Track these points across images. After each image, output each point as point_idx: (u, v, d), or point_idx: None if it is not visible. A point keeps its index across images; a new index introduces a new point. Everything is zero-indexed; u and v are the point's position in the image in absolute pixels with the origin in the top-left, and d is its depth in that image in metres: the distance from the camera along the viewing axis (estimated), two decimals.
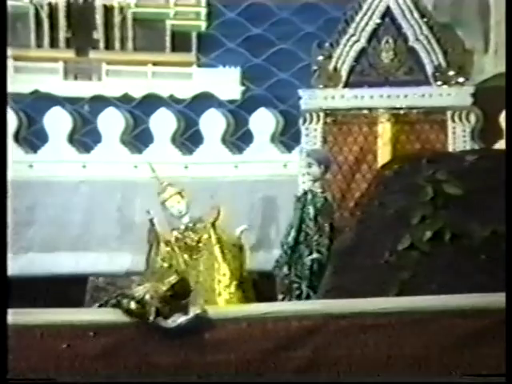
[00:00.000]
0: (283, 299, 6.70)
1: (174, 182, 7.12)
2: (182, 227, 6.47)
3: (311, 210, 6.75)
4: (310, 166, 6.84)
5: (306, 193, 6.86)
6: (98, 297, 7.48)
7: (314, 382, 5.06)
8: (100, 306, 5.76)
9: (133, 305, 5.56)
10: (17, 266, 7.16)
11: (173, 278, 5.97)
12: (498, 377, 4.85)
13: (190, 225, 6.51)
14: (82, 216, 7.93)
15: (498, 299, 5.21)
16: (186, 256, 6.36)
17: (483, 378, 4.98)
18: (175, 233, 6.46)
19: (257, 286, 7.01)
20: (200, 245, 6.39)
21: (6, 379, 4.79)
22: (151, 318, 5.47)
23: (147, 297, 5.59)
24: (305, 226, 6.76)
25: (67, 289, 7.58)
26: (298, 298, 6.68)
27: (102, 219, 7.91)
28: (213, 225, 6.35)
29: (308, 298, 6.59)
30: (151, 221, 6.51)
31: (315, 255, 6.63)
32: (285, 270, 6.77)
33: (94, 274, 7.79)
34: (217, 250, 6.25)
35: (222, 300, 6.47)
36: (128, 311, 5.54)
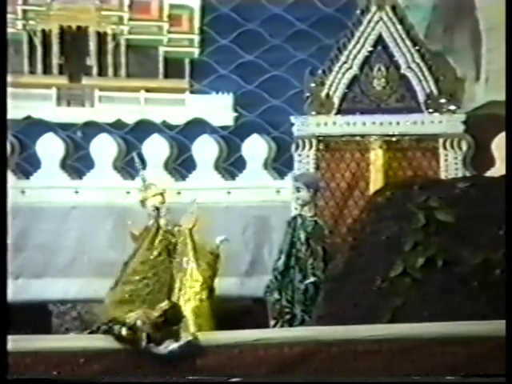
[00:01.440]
0: (275, 324, 6.67)
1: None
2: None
3: (302, 235, 6.75)
4: (298, 190, 6.84)
5: (295, 217, 6.86)
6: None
7: None
8: (91, 333, 5.74)
9: (124, 331, 5.54)
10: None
11: (165, 304, 5.95)
12: (498, 377, 4.83)
13: (169, 227, 6.56)
14: (73, 242, 7.90)
15: (490, 327, 5.21)
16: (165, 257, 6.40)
17: (483, 378, 4.96)
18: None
19: (251, 312, 6.99)
20: (176, 248, 6.42)
21: (6, 379, 4.76)
22: (143, 344, 5.45)
23: (139, 323, 5.58)
24: (295, 250, 6.75)
25: (56, 314, 7.55)
26: (290, 322, 6.66)
27: (94, 245, 7.88)
28: (190, 231, 6.38)
29: (302, 322, 6.56)
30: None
31: (312, 279, 6.62)
32: (276, 295, 6.75)
33: (85, 300, 7.75)
34: (191, 255, 6.25)
35: (190, 306, 6.47)
36: (119, 337, 5.52)
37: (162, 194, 6.66)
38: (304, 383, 5.08)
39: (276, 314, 6.68)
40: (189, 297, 6.31)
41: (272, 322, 6.71)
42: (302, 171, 7.49)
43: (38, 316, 7.46)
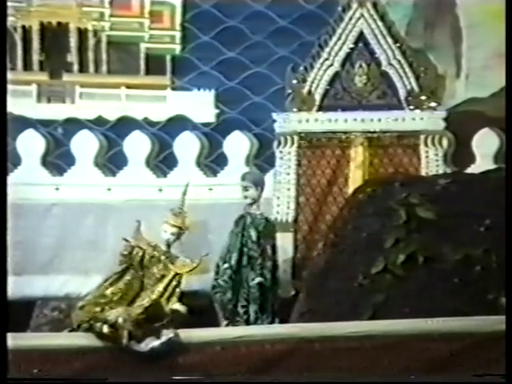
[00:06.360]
0: (228, 325, 6.61)
1: (148, 205, 7.09)
2: (155, 253, 6.44)
3: (253, 233, 6.75)
4: (246, 189, 6.87)
5: (243, 216, 6.86)
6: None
7: None
8: (71, 331, 5.72)
9: (105, 328, 5.53)
10: None
11: (146, 301, 5.95)
12: (498, 377, 4.86)
13: (164, 256, 6.47)
14: (54, 239, 7.87)
15: (470, 323, 5.24)
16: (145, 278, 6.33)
17: (483, 378, 4.98)
18: (149, 250, 6.43)
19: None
20: (158, 279, 6.32)
21: (6, 379, 4.74)
22: (124, 341, 5.44)
23: (120, 320, 5.57)
24: (247, 249, 6.75)
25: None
26: (247, 322, 6.62)
27: (75, 242, 7.85)
28: (176, 274, 6.27)
29: (256, 321, 6.56)
30: (132, 247, 6.45)
31: (257, 279, 6.63)
32: (228, 294, 6.71)
33: (65, 297, 7.73)
34: (157, 292, 6.17)
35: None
36: (101, 335, 5.51)
37: (179, 228, 6.66)
38: (286, 382, 5.09)
39: (229, 315, 6.65)
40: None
41: (224, 322, 6.66)
42: (283, 168, 7.50)
43: (17, 313, 7.42)
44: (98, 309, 5.95)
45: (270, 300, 6.63)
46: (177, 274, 6.12)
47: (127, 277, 6.27)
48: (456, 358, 5.11)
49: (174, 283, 6.10)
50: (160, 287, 6.06)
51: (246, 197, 6.84)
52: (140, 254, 6.36)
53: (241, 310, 6.61)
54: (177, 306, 6.04)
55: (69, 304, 7.28)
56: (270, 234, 6.79)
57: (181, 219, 6.67)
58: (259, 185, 6.87)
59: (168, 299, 6.03)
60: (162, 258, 6.40)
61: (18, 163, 8.05)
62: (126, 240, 6.41)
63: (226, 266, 6.72)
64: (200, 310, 6.74)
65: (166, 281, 6.09)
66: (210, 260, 7.21)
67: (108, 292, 6.13)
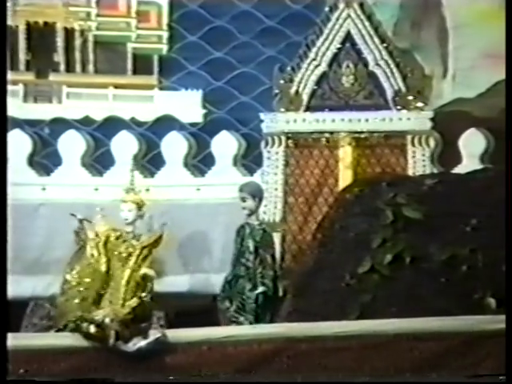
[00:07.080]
0: None
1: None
2: (120, 233, 6.52)
3: (251, 244, 6.80)
4: (244, 200, 6.90)
5: (243, 226, 6.90)
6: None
7: None
8: (58, 331, 5.71)
9: (92, 328, 5.52)
10: None
11: (133, 301, 5.94)
12: (497, 377, 4.88)
13: (128, 236, 6.55)
14: (41, 239, 7.85)
15: (457, 322, 5.26)
16: (112, 260, 6.37)
17: (483, 378, 5.00)
18: (112, 233, 6.49)
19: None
20: (127, 258, 6.39)
21: (5, 379, 4.73)
22: (111, 341, 5.44)
23: (107, 320, 5.56)
24: (245, 259, 6.80)
25: (24, 313, 7.48)
26: None
27: (62, 242, 7.83)
28: (144, 248, 6.34)
29: None
30: (81, 221, 6.54)
31: (261, 289, 6.66)
32: (226, 303, 6.77)
33: (50, 297, 7.71)
34: (127, 273, 6.22)
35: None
36: (87, 335, 5.50)
37: (137, 204, 6.79)
38: (273, 381, 5.10)
39: (227, 322, 6.68)
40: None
41: None
42: (271, 168, 7.51)
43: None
44: (64, 298, 5.97)
45: (269, 310, 6.63)
46: (144, 247, 6.17)
47: (86, 258, 6.29)
48: (444, 358, 5.13)
49: (141, 256, 6.16)
50: (130, 264, 6.10)
51: (244, 208, 6.86)
52: (102, 239, 6.37)
53: (234, 319, 6.64)
54: (145, 270, 6.10)
55: None
56: (268, 243, 6.83)
57: (133, 194, 6.83)
58: (257, 196, 6.90)
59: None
60: (126, 236, 6.46)
61: None
62: (73, 214, 6.48)
63: (225, 275, 6.78)
64: (190, 311, 6.76)
65: (134, 256, 6.14)
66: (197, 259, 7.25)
67: (69, 277, 6.16)
